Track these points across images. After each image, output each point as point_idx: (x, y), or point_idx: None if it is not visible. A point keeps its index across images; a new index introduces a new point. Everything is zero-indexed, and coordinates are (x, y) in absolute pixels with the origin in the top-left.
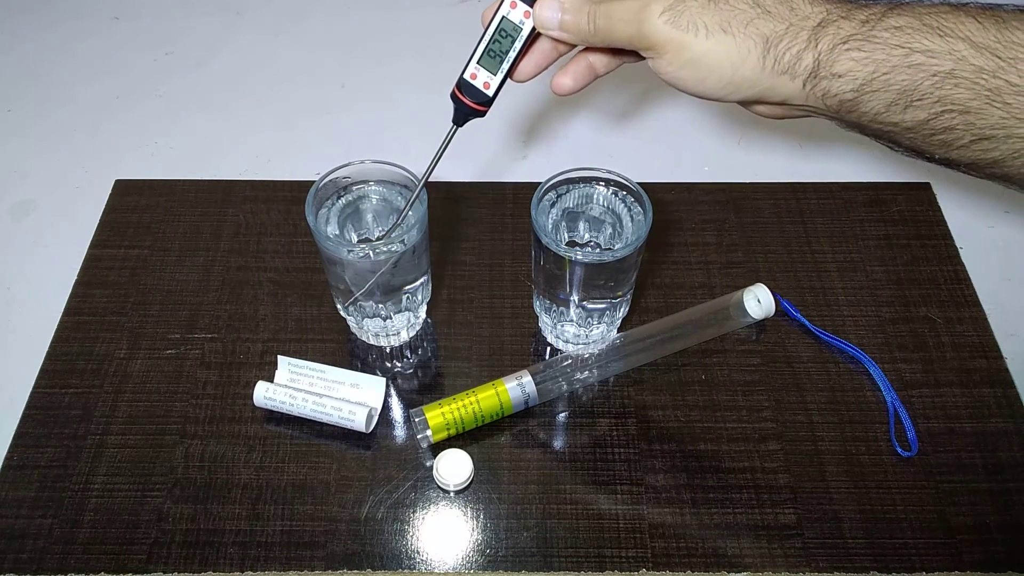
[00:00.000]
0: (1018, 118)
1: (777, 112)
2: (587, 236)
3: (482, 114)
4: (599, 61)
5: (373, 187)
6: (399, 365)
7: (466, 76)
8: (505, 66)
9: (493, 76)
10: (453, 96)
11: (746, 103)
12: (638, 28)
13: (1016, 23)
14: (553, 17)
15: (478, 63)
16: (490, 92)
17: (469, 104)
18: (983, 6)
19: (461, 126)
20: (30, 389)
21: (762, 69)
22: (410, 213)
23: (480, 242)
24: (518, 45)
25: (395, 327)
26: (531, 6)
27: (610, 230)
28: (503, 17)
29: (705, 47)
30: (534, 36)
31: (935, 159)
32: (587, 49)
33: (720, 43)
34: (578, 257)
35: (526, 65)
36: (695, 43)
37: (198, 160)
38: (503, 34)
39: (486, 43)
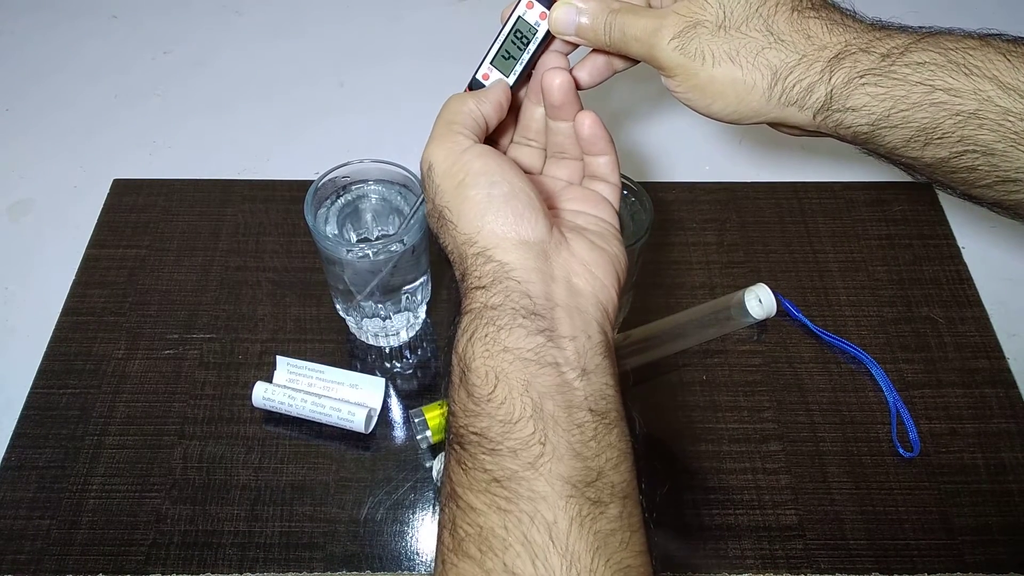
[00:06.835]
0: None
1: (796, 133)
2: None
3: None
4: (618, 58)
5: (372, 187)
6: (398, 365)
7: (478, 76)
8: (519, 68)
9: (506, 78)
10: None
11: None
12: (649, 50)
13: None
14: (571, 21)
15: (491, 63)
16: None
17: None
18: (1015, 41)
19: None
20: (28, 389)
21: (768, 100)
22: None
23: None
24: (532, 47)
25: (394, 327)
26: (548, 8)
27: None
28: (519, 17)
29: (711, 75)
30: (550, 39)
31: (956, 194)
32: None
33: (726, 72)
34: None
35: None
36: (701, 71)
37: (197, 160)
38: (518, 35)
39: (500, 43)
